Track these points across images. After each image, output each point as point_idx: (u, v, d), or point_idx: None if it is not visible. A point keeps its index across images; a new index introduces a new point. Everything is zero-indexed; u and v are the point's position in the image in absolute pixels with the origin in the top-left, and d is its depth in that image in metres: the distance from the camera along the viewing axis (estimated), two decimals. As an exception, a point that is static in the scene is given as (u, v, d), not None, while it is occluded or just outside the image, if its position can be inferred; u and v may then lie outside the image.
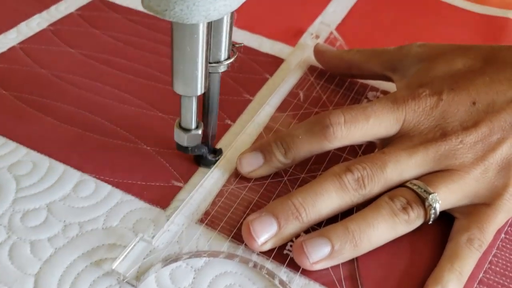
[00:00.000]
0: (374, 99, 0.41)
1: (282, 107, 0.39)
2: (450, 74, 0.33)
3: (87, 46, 0.43)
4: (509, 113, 0.31)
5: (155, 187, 0.32)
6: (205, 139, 0.33)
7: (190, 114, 0.30)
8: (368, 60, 0.39)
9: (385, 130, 0.32)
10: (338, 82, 0.42)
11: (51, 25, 0.45)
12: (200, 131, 0.31)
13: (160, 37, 0.45)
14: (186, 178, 0.33)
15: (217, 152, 0.34)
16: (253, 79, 0.42)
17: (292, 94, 0.40)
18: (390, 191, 0.30)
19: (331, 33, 0.48)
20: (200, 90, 0.28)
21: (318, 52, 0.43)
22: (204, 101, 0.32)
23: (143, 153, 0.34)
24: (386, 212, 0.29)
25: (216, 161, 0.34)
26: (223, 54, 0.29)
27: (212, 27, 0.28)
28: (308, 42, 0.47)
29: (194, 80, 0.27)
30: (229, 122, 0.38)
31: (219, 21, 0.28)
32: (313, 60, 0.44)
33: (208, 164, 0.34)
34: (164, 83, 0.40)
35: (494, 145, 0.31)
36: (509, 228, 0.32)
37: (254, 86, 0.41)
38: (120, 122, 0.36)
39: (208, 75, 0.28)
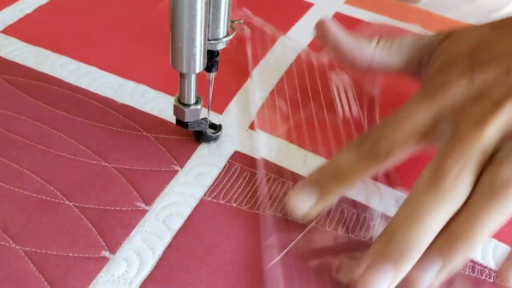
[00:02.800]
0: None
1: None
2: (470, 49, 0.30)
3: None
4: None
5: None
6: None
7: (189, 91, 0.29)
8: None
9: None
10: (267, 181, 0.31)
11: None
12: (199, 106, 0.31)
13: (39, 113, 0.33)
14: None
15: (217, 128, 0.33)
16: (156, 175, 0.31)
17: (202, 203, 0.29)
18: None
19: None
20: (199, 68, 0.28)
21: (318, 31, 0.35)
22: None
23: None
24: None
25: (217, 137, 0.33)
26: (222, 31, 0.29)
27: (211, 4, 0.27)
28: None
29: (193, 58, 0.27)
30: (105, 257, 0.26)
31: (217, -2, 0.27)
32: None
33: (208, 140, 0.33)
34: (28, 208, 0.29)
35: None
36: None
37: (154, 187, 0.30)
38: None
39: (206, 52, 0.28)
